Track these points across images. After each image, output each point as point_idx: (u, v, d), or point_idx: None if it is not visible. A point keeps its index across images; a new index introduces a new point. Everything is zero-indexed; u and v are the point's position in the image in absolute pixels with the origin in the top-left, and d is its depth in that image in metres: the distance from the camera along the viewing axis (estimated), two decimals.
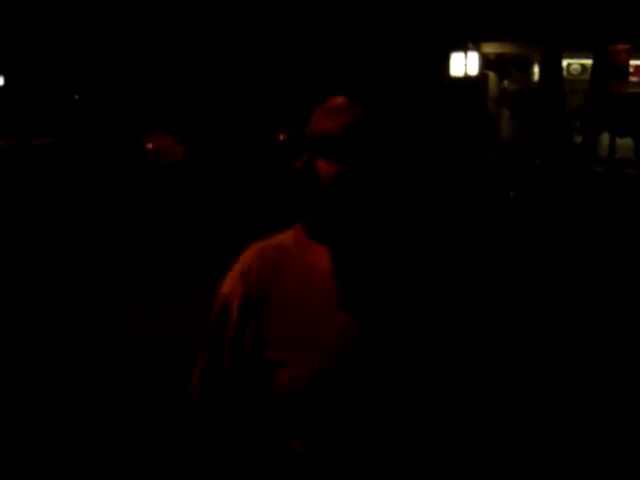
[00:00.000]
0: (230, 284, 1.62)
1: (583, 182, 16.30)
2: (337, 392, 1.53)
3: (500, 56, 26.62)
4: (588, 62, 25.48)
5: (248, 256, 1.63)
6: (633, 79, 21.27)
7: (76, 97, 20.74)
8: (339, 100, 1.52)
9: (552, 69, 20.58)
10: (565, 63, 23.42)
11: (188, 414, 1.65)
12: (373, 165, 1.51)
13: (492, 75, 26.87)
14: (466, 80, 23.26)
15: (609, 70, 19.40)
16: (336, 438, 1.53)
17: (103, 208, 12.62)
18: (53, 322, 6.69)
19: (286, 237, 1.64)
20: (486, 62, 25.75)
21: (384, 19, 23.41)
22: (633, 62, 20.13)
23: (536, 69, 26.90)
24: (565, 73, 23.67)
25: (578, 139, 22.86)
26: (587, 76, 25.41)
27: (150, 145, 17.00)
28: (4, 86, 23.10)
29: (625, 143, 20.94)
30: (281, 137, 20.62)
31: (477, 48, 24.22)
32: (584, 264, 9.46)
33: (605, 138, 20.87)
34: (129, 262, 9.06)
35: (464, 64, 23.29)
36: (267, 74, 24.91)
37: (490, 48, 25.92)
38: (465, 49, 23.53)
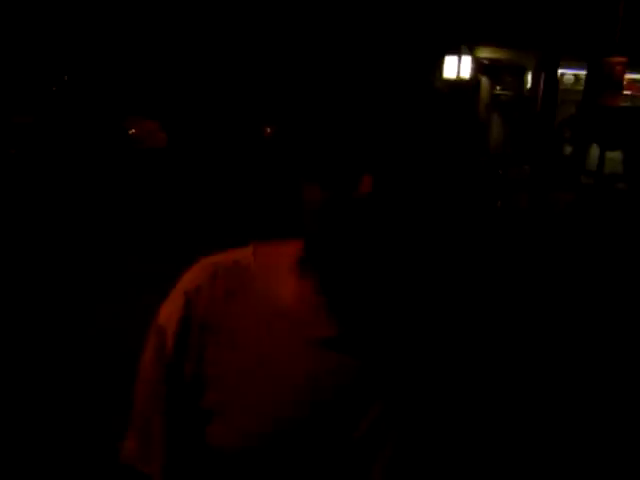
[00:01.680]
0: (168, 309, 1.26)
1: (571, 195, 16.09)
2: (285, 454, 1.19)
3: (494, 61, 26.44)
4: (581, 73, 25.33)
5: (196, 274, 1.28)
6: (627, 92, 21.13)
7: (65, 78, 20.37)
8: None
9: (548, 77, 20.38)
10: (558, 73, 23.24)
11: None
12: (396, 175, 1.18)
13: (485, 80, 26.68)
14: (458, 83, 23.03)
15: (603, 82, 19.23)
16: None
17: (83, 190, 12.31)
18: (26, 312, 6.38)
19: (245, 255, 1.29)
20: (479, 67, 25.54)
21: (378, 19, 23.15)
22: (627, 76, 19.98)
23: (529, 77, 26.74)
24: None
25: (568, 150, 22.69)
26: (580, 87, 25.25)
27: (134, 130, 16.71)
28: None
29: (614, 156, 20.79)
30: (268, 130, 20.35)
31: (471, 52, 24.00)
32: (573, 279, 9.25)
33: (595, 150, 20.70)
34: (109, 249, 8.75)
35: (457, 67, 23.06)
36: (257, 66, 24.61)
37: (484, 53, 25.72)
38: (459, 52, 23.29)
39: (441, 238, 1.22)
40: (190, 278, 1.28)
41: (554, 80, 20.15)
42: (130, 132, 16.52)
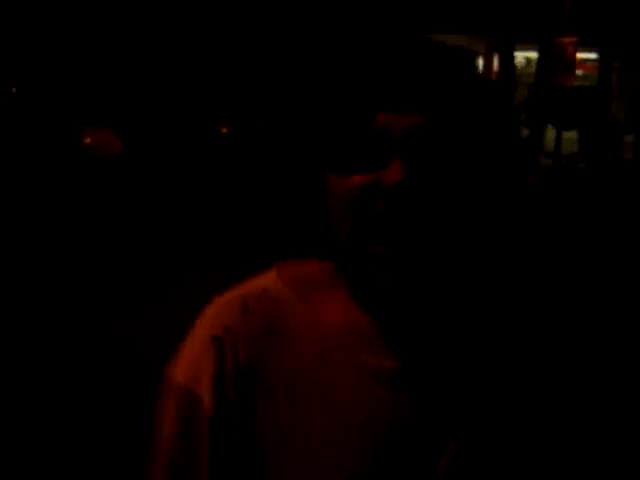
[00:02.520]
0: (191, 365, 0.99)
1: (535, 177, 16.12)
2: None
3: None
4: (533, 55, 25.45)
5: (221, 313, 1.01)
6: (578, 72, 21.25)
7: (13, 90, 19.97)
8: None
9: (503, 61, 20.43)
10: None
11: None
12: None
13: None
14: None
15: (555, 63, 19.31)
16: None
17: (38, 201, 12.03)
18: None
19: (270, 282, 1.04)
20: None
21: (334, 14, 23.05)
22: (578, 55, 20.07)
23: (480, 62, 26.85)
24: None
25: (524, 132, 22.81)
26: (532, 69, 25.38)
27: (88, 139, 16.42)
28: None
29: (571, 136, 20.93)
30: (224, 130, 20.05)
31: None
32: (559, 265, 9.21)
33: (551, 131, 20.81)
34: (60, 264, 8.48)
35: None
36: (207, 65, 24.38)
37: (436, 40, 25.82)
38: None
39: (491, 238, 1.05)
40: (213, 320, 1.01)
41: (510, 63, 20.19)
42: (85, 141, 16.22)
